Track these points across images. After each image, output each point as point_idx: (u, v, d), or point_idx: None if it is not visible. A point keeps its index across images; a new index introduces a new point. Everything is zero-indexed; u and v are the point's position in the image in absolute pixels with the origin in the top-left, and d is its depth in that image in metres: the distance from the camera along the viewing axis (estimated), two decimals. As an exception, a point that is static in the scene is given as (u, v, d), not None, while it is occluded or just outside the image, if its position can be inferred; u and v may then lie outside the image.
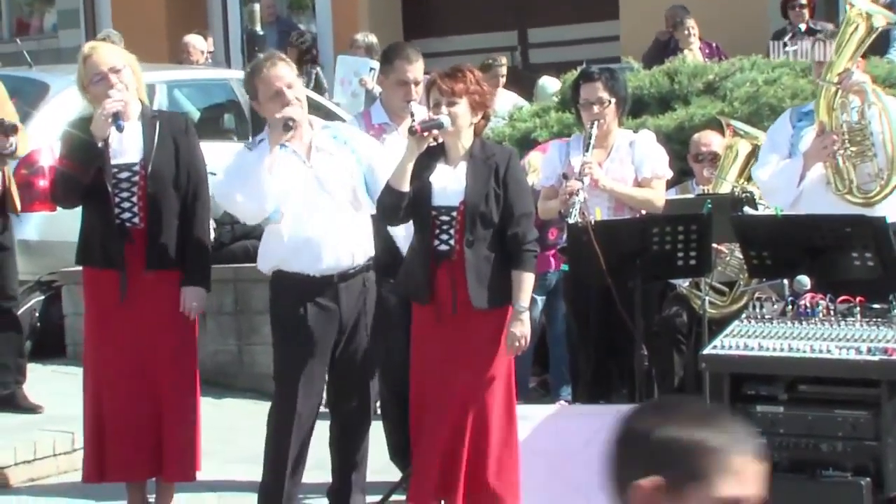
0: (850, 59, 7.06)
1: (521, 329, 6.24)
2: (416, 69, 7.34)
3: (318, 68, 15.91)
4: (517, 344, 6.25)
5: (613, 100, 7.44)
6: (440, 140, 6.41)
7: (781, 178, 7.17)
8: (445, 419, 6.26)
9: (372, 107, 7.78)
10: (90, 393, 6.86)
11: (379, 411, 7.59)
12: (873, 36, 7.12)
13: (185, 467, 6.83)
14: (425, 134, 6.26)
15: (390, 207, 6.30)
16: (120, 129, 6.55)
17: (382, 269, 6.77)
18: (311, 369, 6.51)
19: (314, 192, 6.46)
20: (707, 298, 8.54)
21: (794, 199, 7.08)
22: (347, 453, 6.72)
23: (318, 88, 14.76)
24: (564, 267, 7.32)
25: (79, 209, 6.90)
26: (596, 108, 7.39)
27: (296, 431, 6.50)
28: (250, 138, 6.70)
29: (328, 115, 12.32)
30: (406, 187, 6.24)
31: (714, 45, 13.89)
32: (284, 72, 6.49)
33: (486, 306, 6.20)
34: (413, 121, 6.47)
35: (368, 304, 6.65)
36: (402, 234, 6.91)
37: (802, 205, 7.07)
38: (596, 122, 7.34)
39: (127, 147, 6.74)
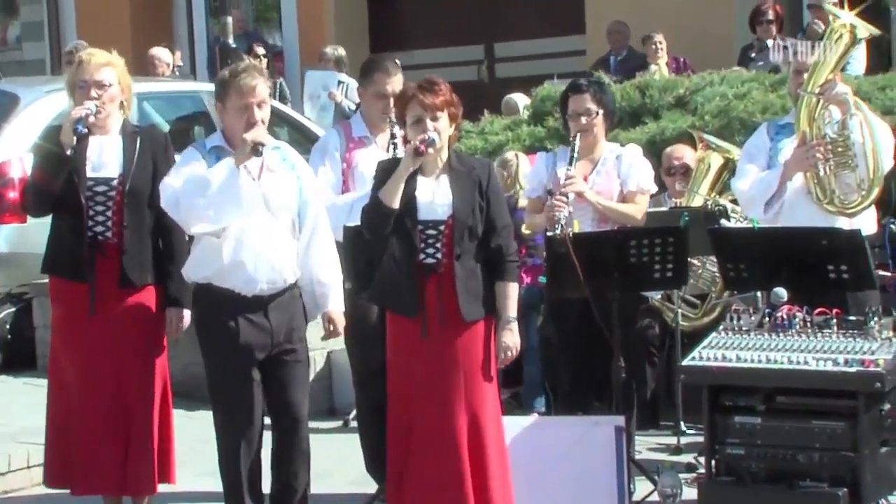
0: (832, 70, 7.11)
1: (512, 339, 6.27)
2: (395, 82, 7.34)
3: (281, 79, 15.95)
4: (507, 354, 6.27)
5: (601, 111, 7.47)
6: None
7: (762, 187, 7.19)
8: (435, 432, 6.23)
9: (352, 119, 7.79)
10: (53, 404, 6.85)
11: (355, 423, 7.57)
12: (856, 47, 7.17)
13: (147, 481, 6.77)
14: (422, 152, 6.23)
15: (378, 224, 6.26)
16: (77, 132, 6.49)
17: (361, 281, 6.75)
18: (250, 381, 6.42)
19: (259, 211, 6.38)
20: (680, 311, 8.59)
21: (777, 208, 7.12)
22: (287, 471, 6.61)
23: (282, 98, 14.82)
24: (542, 279, 7.33)
25: (49, 219, 6.88)
26: (584, 120, 7.43)
27: (245, 447, 6.43)
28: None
29: (296, 127, 12.43)
30: (397, 204, 6.20)
31: (682, 59, 13.95)
32: (261, 89, 6.41)
33: (477, 317, 6.22)
34: (394, 135, 6.47)
35: (298, 317, 6.58)
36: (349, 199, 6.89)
37: (783, 215, 7.12)
38: (580, 135, 7.38)
39: (106, 161, 6.72)
